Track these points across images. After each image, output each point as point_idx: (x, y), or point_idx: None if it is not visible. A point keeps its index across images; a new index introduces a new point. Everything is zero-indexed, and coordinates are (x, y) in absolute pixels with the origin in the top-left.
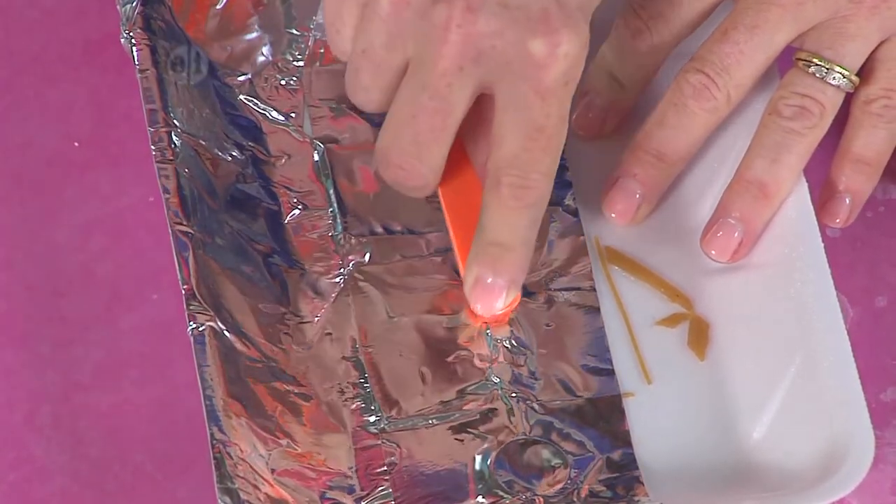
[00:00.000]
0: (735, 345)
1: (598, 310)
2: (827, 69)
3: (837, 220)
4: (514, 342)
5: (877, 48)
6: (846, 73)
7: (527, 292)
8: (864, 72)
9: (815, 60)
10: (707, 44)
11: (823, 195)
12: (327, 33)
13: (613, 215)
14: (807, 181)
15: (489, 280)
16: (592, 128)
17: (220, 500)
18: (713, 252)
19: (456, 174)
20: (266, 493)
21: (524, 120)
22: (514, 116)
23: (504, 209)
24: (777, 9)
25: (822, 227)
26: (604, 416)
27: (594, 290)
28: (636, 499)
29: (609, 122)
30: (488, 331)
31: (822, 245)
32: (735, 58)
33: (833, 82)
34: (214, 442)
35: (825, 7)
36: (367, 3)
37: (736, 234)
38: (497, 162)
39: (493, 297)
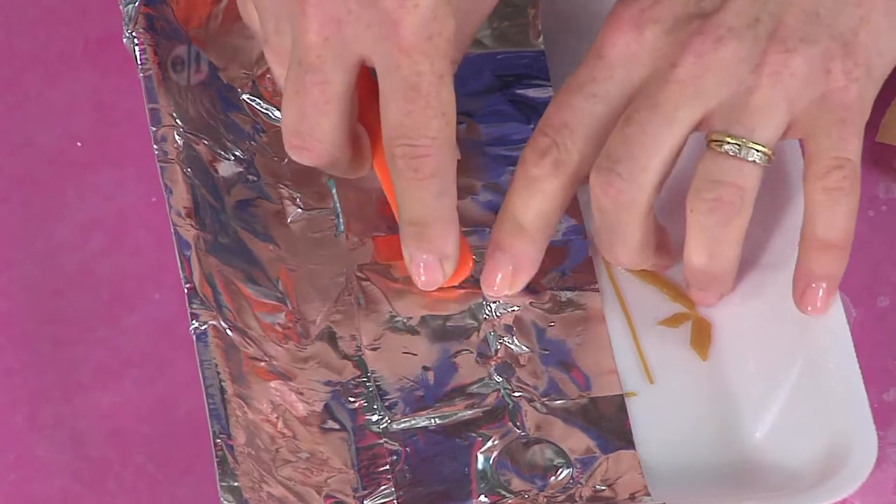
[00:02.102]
0: (737, 345)
1: (600, 309)
2: (740, 146)
3: (819, 309)
4: (516, 341)
5: (797, 123)
6: (761, 148)
7: (530, 292)
8: (803, 148)
9: (728, 139)
10: (612, 133)
11: (797, 285)
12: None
13: (491, 292)
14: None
15: (420, 259)
16: (504, 286)
17: (222, 499)
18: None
19: None
20: (268, 492)
21: (398, 83)
22: (389, 82)
23: (406, 183)
24: (675, 85)
25: None
26: (606, 415)
27: (597, 289)
28: (638, 498)
29: (519, 278)
30: (490, 332)
31: None
32: (638, 139)
33: (750, 159)
34: (217, 440)
35: (725, 79)
36: None
37: (714, 298)
38: (387, 134)
39: (430, 275)
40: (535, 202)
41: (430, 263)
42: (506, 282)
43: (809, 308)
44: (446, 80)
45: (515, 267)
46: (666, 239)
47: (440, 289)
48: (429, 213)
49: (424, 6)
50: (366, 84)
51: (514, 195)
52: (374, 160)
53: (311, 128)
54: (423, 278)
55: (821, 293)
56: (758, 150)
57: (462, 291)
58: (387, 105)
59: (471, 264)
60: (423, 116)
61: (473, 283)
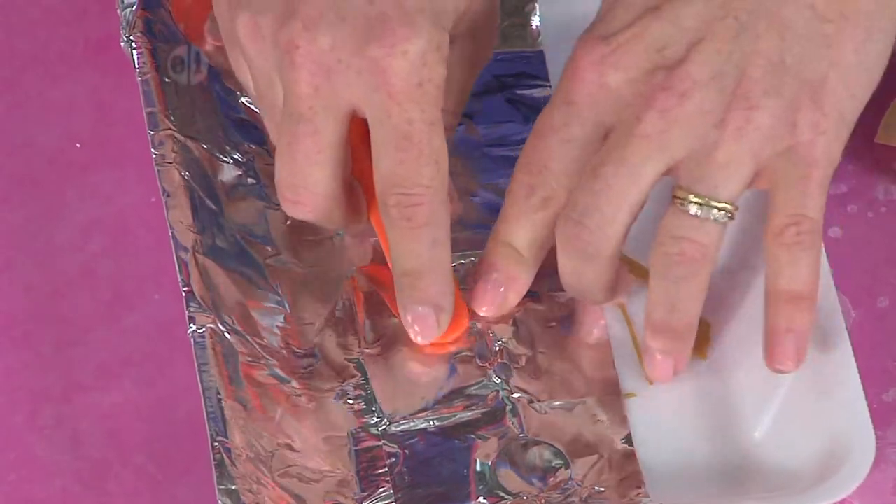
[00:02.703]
0: (736, 345)
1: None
2: (703, 206)
3: (790, 366)
4: (515, 342)
5: (762, 174)
6: (723, 205)
7: (529, 293)
8: (766, 202)
9: (691, 198)
10: (579, 185)
11: (768, 340)
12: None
13: (481, 311)
14: None
15: (415, 311)
16: (495, 305)
17: (220, 502)
18: (655, 378)
19: None
20: (267, 495)
21: (389, 131)
22: (380, 131)
23: (400, 233)
24: (641, 140)
25: (824, 228)
26: (605, 416)
27: None
28: (637, 499)
29: (510, 299)
30: (490, 332)
31: (823, 246)
32: (605, 194)
33: (712, 218)
34: (215, 444)
35: (690, 133)
36: (236, 47)
37: (669, 369)
38: (379, 184)
39: (425, 327)
40: (526, 232)
41: (425, 316)
42: (497, 301)
43: (780, 365)
44: (437, 127)
45: (507, 288)
46: (624, 274)
47: (433, 344)
48: (422, 263)
49: (413, 53)
50: (358, 135)
51: (506, 224)
52: (370, 213)
53: (304, 179)
54: (417, 330)
55: (794, 344)
56: (720, 209)
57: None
58: (379, 154)
59: (467, 320)
60: (415, 165)
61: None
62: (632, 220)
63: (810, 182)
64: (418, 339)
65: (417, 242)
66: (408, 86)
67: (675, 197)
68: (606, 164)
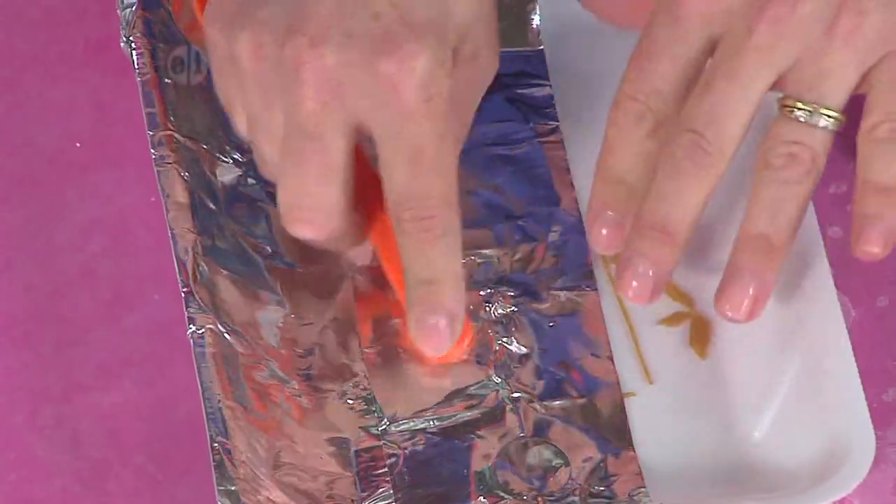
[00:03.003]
0: (736, 344)
1: (599, 309)
2: (811, 112)
3: (875, 249)
4: (515, 342)
5: (864, 77)
6: (831, 113)
7: (529, 292)
8: (863, 103)
9: (799, 105)
10: (690, 100)
11: (855, 227)
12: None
13: (629, 297)
14: None
15: (429, 321)
16: (614, 243)
17: (219, 503)
18: (728, 312)
19: (388, 226)
20: (266, 496)
21: (401, 146)
22: (391, 146)
23: (415, 245)
24: (752, 52)
25: (823, 227)
26: (605, 416)
27: (596, 289)
28: (637, 499)
29: (629, 230)
30: (490, 331)
31: (824, 245)
32: (720, 109)
33: (820, 125)
34: (214, 445)
35: (799, 42)
36: (236, 68)
37: (750, 291)
38: (392, 199)
39: (439, 337)
40: (640, 163)
41: (440, 325)
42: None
43: (866, 247)
44: (448, 139)
45: (616, 221)
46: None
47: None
48: (437, 271)
49: (421, 69)
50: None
51: (615, 157)
52: (368, 229)
53: (313, 199)
54: (430, 341)
55: (879, 230)
56: (828, 116)
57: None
58: (390, 170)
59: (468, 340)
60: (428, 178)
61: (471, 283)
62: (745, 135)
63: None
64: (429, 351)
65: (433, 252)
66: (418, 101)
67: (782, 107)
68: (717, 79)
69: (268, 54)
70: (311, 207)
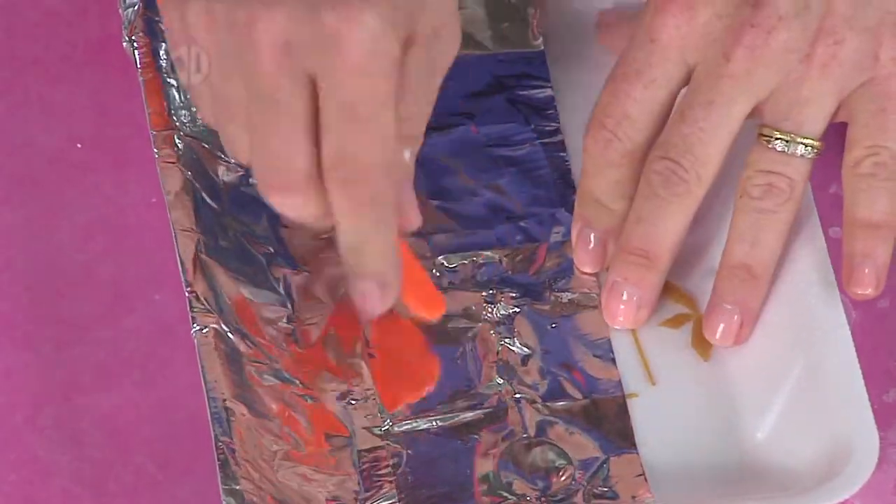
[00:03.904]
0: (739, 345)
1: (602, 311)
2: (788, 141)
3: (867, 290)
4: (518, 342)
5: (842, 106)
6: (809, 141)
7: (531, 293)
8: (845, 134)
9: (777, 135)
10: (667, 128)
11: (844, 266)
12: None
13: (616, 324)
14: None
15: (359, 286)
16: (597, 261)
17: (224, 502)
18: (716, 341)
19: None
20: (270, 495)
21: (339, 103)
22: (331, 102)
23: (342, 210)
24: (729, 80)
25: (824, 227)
26: (608, 416)
27: (598, 291)
28: (640, 500)
29: (611, 250)
30: (492, 332)
31: (825, 246)
32: (696, 136)
33: (798, 153)
34: (219, 444)
35: (776, 70)
36: (193, 44)
37: (735, 318)
38: (326, 160)
39: (372, 301)
40: (607, 184)
41: (369, 290)
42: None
43: (857, 289)
44: (388, 106)
45: (598, 239)
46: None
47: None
48: (365, 239)
49: (370, 24)
50: None
51: (588, 178)
52: None
53: (285, 161)
54: (364, 305)
55: (869, 269)
56: (806, 145)
57: (463, 294)
58: (327, 129)
59: (442, 305)
60: (361, 139)
61: (474, 284)
62: (722, 161)
63: (889, 115)
64: (366, 315)
65: (360, 221)
66: (361, 55)
67: (760, 135)
68: (694, 107)
69: (220, 20)
70: (284, 169)
